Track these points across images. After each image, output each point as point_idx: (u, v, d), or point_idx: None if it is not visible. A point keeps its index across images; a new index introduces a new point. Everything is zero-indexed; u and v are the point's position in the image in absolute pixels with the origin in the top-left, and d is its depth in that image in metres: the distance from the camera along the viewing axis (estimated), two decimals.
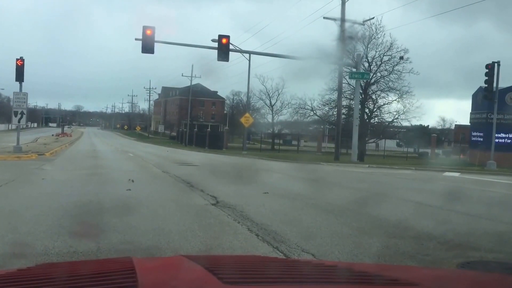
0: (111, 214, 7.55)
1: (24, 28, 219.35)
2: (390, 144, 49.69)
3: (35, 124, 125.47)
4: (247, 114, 37.00)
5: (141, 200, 9.25)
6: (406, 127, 45.59)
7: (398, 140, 51.26)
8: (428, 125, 48.53)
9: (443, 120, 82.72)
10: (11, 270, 1.73)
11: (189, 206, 8.84)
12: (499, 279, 2.08)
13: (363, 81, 33.33)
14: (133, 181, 11.80)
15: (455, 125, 64.83)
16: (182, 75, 56.08)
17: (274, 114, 57.11)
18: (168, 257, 3.31)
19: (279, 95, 57.23)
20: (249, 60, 35.63)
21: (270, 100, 57.67)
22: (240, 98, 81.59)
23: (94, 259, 4.51)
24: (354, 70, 29.63)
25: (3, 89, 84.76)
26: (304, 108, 45.01)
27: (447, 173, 20.67)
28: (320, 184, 14.29)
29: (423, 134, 47.19)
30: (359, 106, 30.90)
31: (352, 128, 26.53)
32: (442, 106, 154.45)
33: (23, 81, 22.94)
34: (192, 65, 55.91)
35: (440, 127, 64.48)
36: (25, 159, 19.67)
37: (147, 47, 23.46)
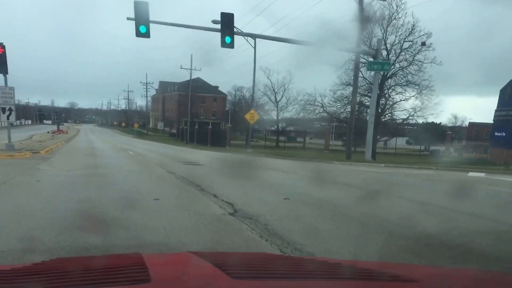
0: (114, 227, 6.29)
1: (15, 22, 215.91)
2: (398, 142, 48.52)
3: (29, 121, 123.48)
4: (252, 111, 35.53)
5: (149, 208, 7.96)
6: (415, 124, 44.43)
7: (408, 138, 49.59)
8: (440, 123, 46.97)
9: (455, 117, 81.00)
10: (27, 264, 1.76)
11: (204, 217, 7.53)
12: (500, 277, 2.06)
13: (381, 73, 31.28)
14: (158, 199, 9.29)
15: (469, 122, 63.32)
16: (181, 67, 54.23)
17: (279, 111, 55.53)
18: (176, 253, 3.23)
19: (285, 90, 55.59)
20: (255, 47, 33.93)
21: (275, 96, 56.02)
22: (242, 93, 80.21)
23: (105, 254, 4.31)
24: (371, 59, 27.58)
25: None
26: (313, 104, 43.44)
27: (472, 174, 19.34)
28: (341, 187, 12.95)
29: (435, 131, 45.71)
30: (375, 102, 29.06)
31: (358, 125, 25.17)
32: (452, 103, 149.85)
33: (7, 73, 20.60)
34: (191, 56, 54.18)
35: (451, 125, 62.92)
36: (18, 157, 18.30)
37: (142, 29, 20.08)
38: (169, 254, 3.68)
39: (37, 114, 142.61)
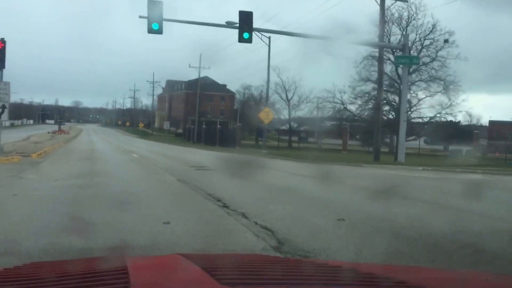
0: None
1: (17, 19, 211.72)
2: (415, 142, 46.39)
3: (31, 121, 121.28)
4: (266, 109, 32.62)
5: (156, 237, 5.51)
6: (431, 123, 41.74)
7: (425, 137, 46.66)
8: (459, 121, 44.06)
9: (470, 115, 76.70)
10: None
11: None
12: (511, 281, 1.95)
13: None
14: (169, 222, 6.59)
15: (489, 121, 60.17)
16: (190, 66, 50.97)
17: (290, 109, 52.59)
18: (163, 256, 2.96)
19: (296, 88, 52.65)
20: (269, 44, 31.49)
21: (286, 94, 53.10)
22: (251, 92, 77.42)
23: (85, 257, 3.62)
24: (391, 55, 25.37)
25: None
26: (332, 101, 40.61)
27: None
28: (401, 200, 10.26)
29: (455, 130, 42.86)
30: (397, 99, 26.56)
31: (374, 124, 22.68)
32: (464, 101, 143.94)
33: (4, 68, 18.89)
34: (201, 55, 51.38)
35: (466, 123, 59.81)
36: (4, 162, 15.75)
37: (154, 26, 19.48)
38: (156, 257, 3.17)
39: (40, 113, 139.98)
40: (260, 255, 4.00)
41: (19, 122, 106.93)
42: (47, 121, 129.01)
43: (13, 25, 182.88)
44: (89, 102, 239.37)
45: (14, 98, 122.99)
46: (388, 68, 32.99)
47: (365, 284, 1.54)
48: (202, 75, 67.96)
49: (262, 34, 30.62)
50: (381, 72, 24.54)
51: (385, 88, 34.69)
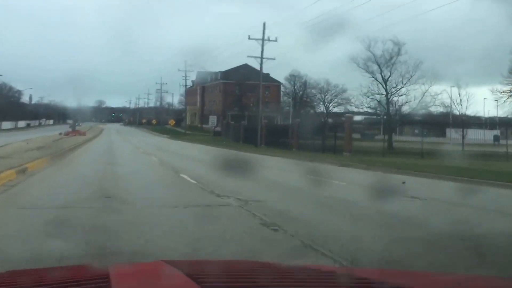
0: None
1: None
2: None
3: (51, 121, 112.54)
4: None
5: None
6: None
7: None
8: None
9: None
10: None
11: None
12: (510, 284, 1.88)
13: None
14: None
15: None
16: (249, 38, 38.07)
17: (389, 95, 38.64)
18: (147, 263, 2.69)
19: (393, 64, 38.29)
20: None
21: (381, 73, 38.76)
22: (300, 81, 64.68)
23: (67, 265, 3.41)
24: None
25: (1, 75, 69.91)
26: None
27: None
28: None
29: None
30: None
31: None
32: None
33: None
34: (264, 23, 38.86)
35: None
36: None
37: None
38: (139, 264, 2.98)
39: (61, 113, 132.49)
40: (248, 261, 3.54)
41: (37, 122, 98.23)
42: (68, 120, 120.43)
43: (41, 30, 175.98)
44: (112, 102, 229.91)
45: (34, 97, 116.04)
46: None
47: None
48: (242, 62, 56.37)
49: None
50: None
51: None
